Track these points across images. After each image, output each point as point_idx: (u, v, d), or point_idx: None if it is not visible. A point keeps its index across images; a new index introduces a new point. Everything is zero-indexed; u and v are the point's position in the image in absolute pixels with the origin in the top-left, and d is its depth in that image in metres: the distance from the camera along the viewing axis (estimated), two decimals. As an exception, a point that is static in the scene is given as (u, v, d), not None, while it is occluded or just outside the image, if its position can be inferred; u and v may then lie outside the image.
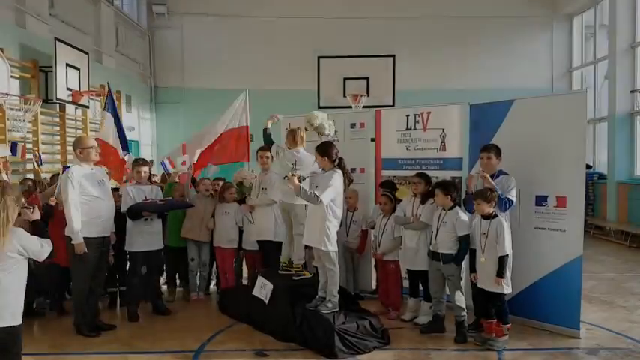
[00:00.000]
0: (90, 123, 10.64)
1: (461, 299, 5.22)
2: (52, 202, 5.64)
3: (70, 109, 9.93)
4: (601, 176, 13.04)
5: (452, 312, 5.28)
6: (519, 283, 5.58)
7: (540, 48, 15.32)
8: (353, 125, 7.17)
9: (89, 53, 10.11)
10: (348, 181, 5.10)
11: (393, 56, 13.30)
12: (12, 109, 7.67)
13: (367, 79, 13.27)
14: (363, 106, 12.28)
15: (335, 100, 12.98)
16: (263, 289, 5.43)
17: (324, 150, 5.07)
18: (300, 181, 5.05)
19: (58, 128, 9.69)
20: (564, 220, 5.37)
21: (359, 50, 13.43)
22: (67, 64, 9.12)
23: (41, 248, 3.39)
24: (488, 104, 6.10)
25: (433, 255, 5.33)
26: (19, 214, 3.44)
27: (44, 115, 9.09)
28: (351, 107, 12.31)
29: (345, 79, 13.22)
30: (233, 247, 6.59)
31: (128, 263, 6.15)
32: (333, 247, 5.01)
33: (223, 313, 6.06)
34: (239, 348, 5.04)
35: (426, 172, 6.18)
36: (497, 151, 5.38)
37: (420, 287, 5.81)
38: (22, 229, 3.36)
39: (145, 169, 5.99)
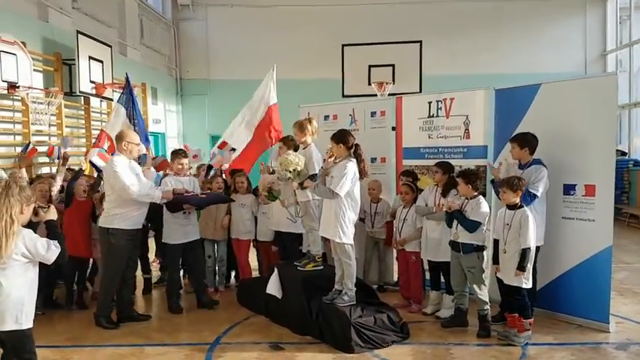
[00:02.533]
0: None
1: (483, 292, 5.03)
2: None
3: (94, 101, 9.99)
4: (636, 163, 12.53)
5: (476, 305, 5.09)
6: (546, 274, 5.39)
7: (573, 31, 14.75)
8: (373, 114, 7.00)
9: (112, 46, 10.13)
10: (363, 169, 4.91)
11: (420, 42, 12.99)
12: (34, 102, 7.75)
13: (393, 66, 13.00)
14: (389, 94, 12.05)
15: (360, 89, 12.77)
16: (275, 285, 5.33)
17: (340, 137, 4.91)
18: (313, 180, 4.95)
19: (82, 121, 9.76)
20: (593, 210, 5.12)
21: (384, 37, 13.19)
22: (90, 57, 9.16)
23: (47, 252, 3.21)
24: (514, 89, 5.85)
25: (453, 245, 5.15)
26: (36, 214, 3.36)
27: (68, 108, 9.16)
28: (376, 95, 12.10)
29: (370, 66, 12.99)
30: (250, 238, 6.52)
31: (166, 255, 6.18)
32: (348, 239, 4.86)
33: (242, 305, 6.00)
34: (255, 341, 4.97)
35: (449, 160, 6.00)
36: (522, 142, 5.15)
37: (443, 280, 5.65)
38: (29, 230, 3.23)
39: (185, 160, 5.90)
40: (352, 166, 4.80)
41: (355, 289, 4.95)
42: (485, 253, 5.05)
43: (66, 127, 8.96)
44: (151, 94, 13.03)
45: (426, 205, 5.66)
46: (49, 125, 8.58)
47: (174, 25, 15.13)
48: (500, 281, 4.99)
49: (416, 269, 5.90)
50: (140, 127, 7.42)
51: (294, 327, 5.17)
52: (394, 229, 6.13)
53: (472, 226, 4.95)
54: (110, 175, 5.24)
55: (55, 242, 3.26)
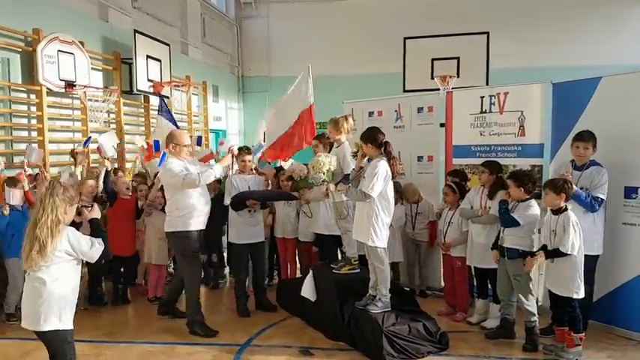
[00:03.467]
0: (175, 113, 10.90)
1: (531, 302, 4.64)
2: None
3: (154, 99, 10.20)
4: None
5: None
6: (605, 285, 4.94)
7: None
8: (420, 109, 6.68)
9: (170, 44, 10.30)
10: (394, 168, 4.62)
11: (487, 33, 12.39)
12: (92, 100, 8.00)
13: (457, 59, 12.48)
14: (453, 88, 11.59)
15: (422, 83, 12.34)
16: (309, 287, 5.17)
17: (369, 135, 4.66)
18: (347, 179, 4.74)
19: (142, 119, 10.02)
20: (658, 216, 4.60)
21: (448, 29, 12.69)
22: (148, 56, 9.36)
23: (90, 249, 3.27)
24: (573, 82, 5.39)
25: (500, 250, 4.78)
26: (79, 213, 3.44)
27: (127, 107, 9.41)
28: (438, 90, 11.67)
29: (433, 59, 12.52)
30: (295, 237, 6.39)
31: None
32: (381, 243, 4.61)
33: (281, 306, 5.89)
34: (286, 344, 4.84)
35: (502, 159, 5.63)
36: (594, 141, 4.73)
37: (490, 287, 5.28)
38: (73, 228, 3.30)
39: (249, 157, 5.80)
40: (383, 164, 4.54)
41: (390, 295, 4.71)
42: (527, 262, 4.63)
43: (125, 124, 9.22)
44: (212, 92, 13.23)
45: (472, 207, 5.31)
46: (109, 123, 8.88)
47: (236, 23, 15.31)
48: (551, 291, 4.58)
49: (462, 275, 5.56)
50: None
51: (328, 332, 5.00)
52: (438, 232, 5.81)
53: (508, 221, 4.61)
54: (167, 176, 5.08)
55: (99, 240, 3.33)
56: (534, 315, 4.64)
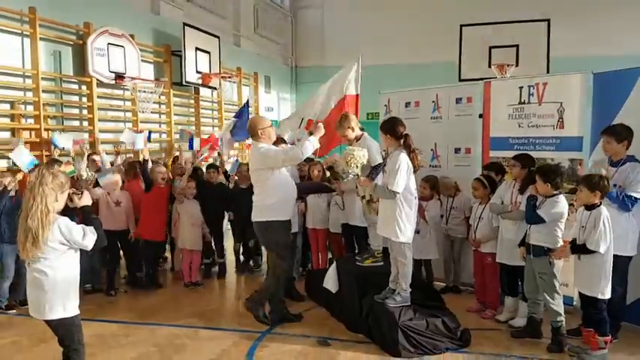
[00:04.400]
0: (225, 104, 11.17)
1: (556, 302, 4.45)
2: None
3: (204, 91, 10.50)
4: None
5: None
6: (639, 287, 4.62)
7: None
8: (458, 100, 6.47)
9: (221, 37, 10.52)
10: (414, 162, 4.53)
11: (548, 20, 11.87)
12: (142, 91, 8.33)
13: (517, 47, 12.05)
14: (511, 77, 11.19)
15: (478, 72, 11.97)
16: (332, 279, 5.17)
17: (389, 127, 4.59)
18: (376, 171, 4.70)
19: (192, 110, 10.32)
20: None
21: (507, 15, 12.22)
22: (197, 48, 9.62)
23: (84, 239, 3.22)
24: (614, 73, 5.07)
25: (526, 247, 4.61)
26: (71, 200, 3.37)
27: (178, 97, 9.72)
28: (496, 78, 11.30)
29: (490, 47, 12.13)
30: (325, 227, 6.41)
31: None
32: (405, 238, 4.53)
33: (308, 295, 5.94)
34: (305, 334, 4.87)
35: (540, 153, 5.42)
36: (620, 135, 4.46)
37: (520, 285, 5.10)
38: (65, 217, 3.22)
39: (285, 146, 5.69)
40: (404, 157, 4.46)
41: (410, 289, 4.64)
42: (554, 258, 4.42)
43: (175, 115, 9.54)
44: (263, 83, 13.42)
45: (502, 202, 5.13)
46: (160, 114, 9.23)
47: (291, 13, 15.42)
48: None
49: (492, 272, 5.39)
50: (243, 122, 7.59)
51: (348, 324, 5.00)
52: (470, 227, 5.67)
53: (533, 218, 4.43)
54: (264, 157, 4.86)
55: (91, 228, 3.28)
56: (560, 315, 4.44)
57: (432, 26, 13.71)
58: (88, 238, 3.25)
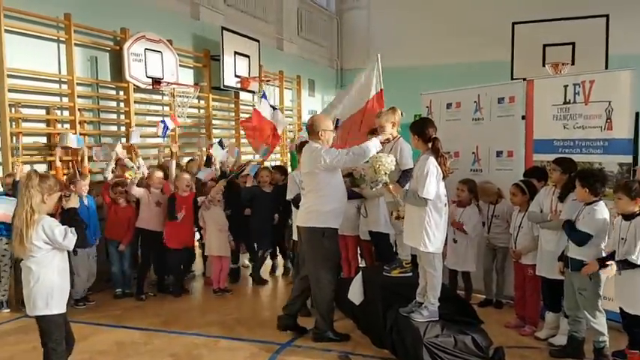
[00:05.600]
0: (265, 108, 11.09)
1: (599, 320, 4.05)
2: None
3: (244, 95, 10.45)
4: None
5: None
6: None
7: None
8: (501, 100, 6.08)
9: (261, 40, 10.44)
10: (443, 167, 4.22)
11: (606, 16, 11.18)
12: (180, 96, 8.34)
13: (572, 44, 11.42)
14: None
15: (531, 71, 11.38)
16: (356, 289, 4.91)
17: (418, 128, 4.31)
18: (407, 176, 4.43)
19: (232, 114, 10.29)
20: None
21: (562, 12, 11.61)
22: (236, 52, 9.56)
23: (64, 239, 3.35)
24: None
25: (565, 261, 4.21)
26: (62, 199, 3.56)
27: (217, 102, 9.71)
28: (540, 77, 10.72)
29: (544, 45, 11.56)
30: (355, 234, 6.14)
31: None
32: (434, 248, 4.23)
33: (337, 306, 5.67)
34: (327, 347, 4.64)
35: (586, 156, 5.00)
36: None
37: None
38: (49, 217, 3.39)
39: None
40: (432, 162, 4.17)
41: (439, 303, 4.32)
42: (601, 272, 3.98)
43: (214, 119, 9.52)
44: (307, 87, 13.30)
45: (541, 210, 4.72)
46: (200, 119, 9.24)
47: (337, 16, 15.25)
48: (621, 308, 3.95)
49: (533, 285, 4.98)
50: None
51: (373, 338, 4.73)
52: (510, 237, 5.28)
53: (580, 238, 4.00)
54: (314, 160, 4.62)
55: (72, 230, 3.39)
56: (603, 334, 4.04)
57: (482, 25, 13.20)
58: (68, 239, 3.38)
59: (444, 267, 4.84)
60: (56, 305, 3.42)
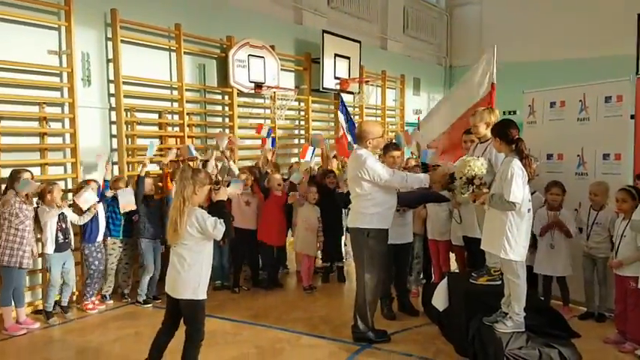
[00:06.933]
0: (366, 108, 11.15)
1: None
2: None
3: (346, 96, 10.52)
4: None
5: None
6: None
7: None
8: (608, 99, 5.64)
9: (363, 41, 10.45)
10: (529, 169, 4.00)
11: None
12: (281, 99, 8.64)
13: None
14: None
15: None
16: (441, 295, 4.80)
17: (501, 130, 4.14)
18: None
19: (332, 115, 10.44)
20: None
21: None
22: (336, 55, 9.69)
23: (214, 229, 3.53)
24: None
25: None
26: (211, 192, 3.78)
27: (316, 104, 9.91)
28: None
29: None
30: (447, 239, 6.01)
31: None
32: (516, 255, 4.04)
33: (424, 311, 5.61)
34: (408, 352, 4.61)
35: None
36: None
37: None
38: (202, 209, 3.63)
39: (397, 153, 5.39)
40: (517, 164, 3.98)
41: (525, 314, 4.12)
42: None
43: (313, 121, 9.74)
44: (412, 85, 13.13)
45: (646, 218, 4.33)
46: (299, 121, 9.51)
47: (447, 12, 14.89)
48: None
49: (635, 299, 4.59)
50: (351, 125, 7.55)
51: (455, 345, 4.62)
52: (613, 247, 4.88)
53: None
54: (357, 168, 4.69)
55: (221, 221, 3.58)
56: None
57: (602, 17, 12.28)
58: (217, 229, 3.56)
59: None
60: (202, 292, 3.66)
